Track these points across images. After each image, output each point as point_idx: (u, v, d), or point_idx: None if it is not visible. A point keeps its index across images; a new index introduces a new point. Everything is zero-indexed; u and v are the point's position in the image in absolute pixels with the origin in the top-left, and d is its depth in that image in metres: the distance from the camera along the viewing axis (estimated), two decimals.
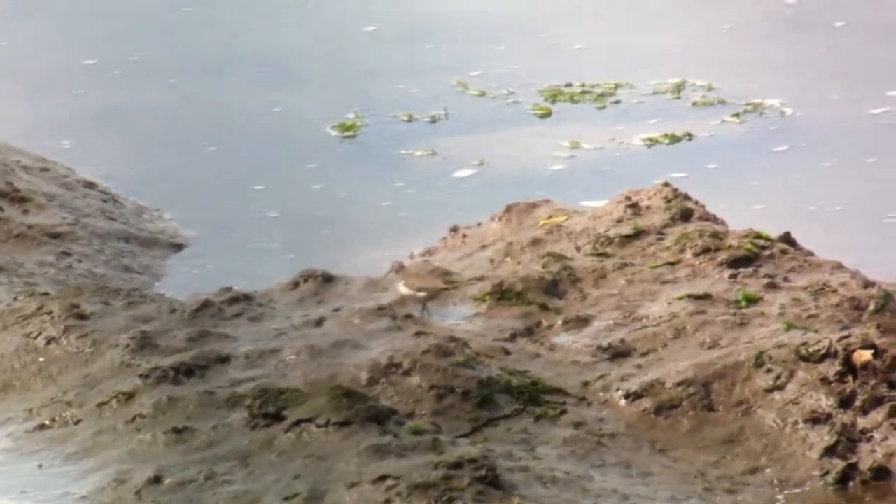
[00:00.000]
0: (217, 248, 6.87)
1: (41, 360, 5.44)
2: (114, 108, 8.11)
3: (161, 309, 5.62)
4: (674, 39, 8.69)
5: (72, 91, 8.27)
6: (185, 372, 5.25)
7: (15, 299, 5.79)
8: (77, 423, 5.15)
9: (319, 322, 5.56)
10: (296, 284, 5.86)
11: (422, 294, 5.54)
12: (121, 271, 6.56)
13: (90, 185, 7.22)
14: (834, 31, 8.53)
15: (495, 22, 8.94)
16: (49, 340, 5.50)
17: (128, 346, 5.38)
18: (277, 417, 4.95)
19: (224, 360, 5.32)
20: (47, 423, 5.17)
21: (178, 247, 6.92)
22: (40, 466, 4.94)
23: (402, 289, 5.58)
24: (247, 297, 5.73)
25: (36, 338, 5.51)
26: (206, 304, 5.63)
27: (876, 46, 8.31)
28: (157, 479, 4.75)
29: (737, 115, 7.71)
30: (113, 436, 5.03)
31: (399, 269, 5.67)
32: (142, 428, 5.03)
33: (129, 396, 5.17)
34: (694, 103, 7.93)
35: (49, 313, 5.59)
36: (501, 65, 8.36)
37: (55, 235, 6.66)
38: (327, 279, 5.87)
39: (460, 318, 5.63)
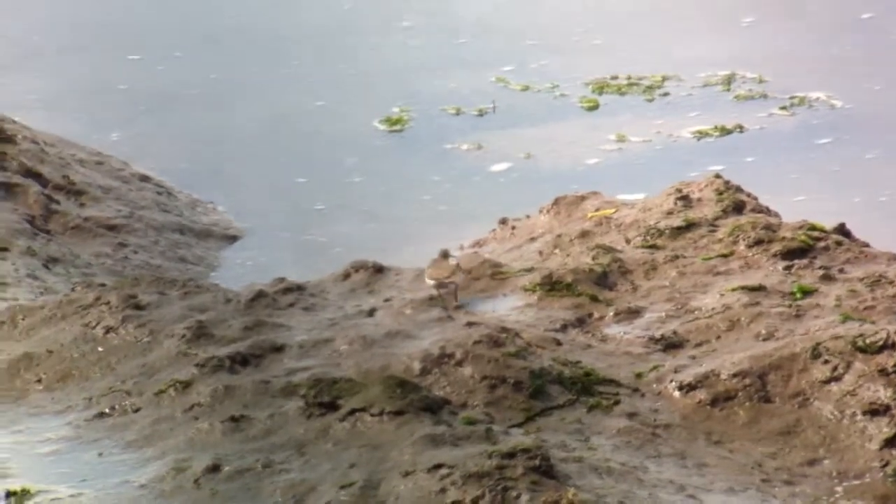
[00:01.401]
0: (269, 239, 6.93)
1: (100, 349, 5.51)
2: (159, 103, 8.19)
3: (216, 299, 5.67)
4: (725, 32, 8.64)
5: (117, 86, 8.36)
6: (241, 361, 5.30)
7: (73, 290, 5.87)
8: (136, 411, 5.21)
9: (371, 312, 5.58)
10: (347, 275, 5.89)
11: (440, 285, 5.54)
12: (176, 262, 6.63)
13: (145, 178, 7.31)
14: (885, 26, 8.44)
15: (522, 18, 8.93)
16: (107, 330, 5.57)
17: (184, 335, 5.43)
18: (332, 407, 4.98)
19: (279, 349, 5.36)
20: (107, 411, 5.23)
21: (232, 238, 6.99)
22: (100, 454, 5.00)
23: (427, 280, 5.60)
24: (300, 288, 5.76)
25: (94, 327, 5.58)
26: (260, 295, 5.68)
27: None
28: (215, 468, 4.80)
29: (785, 107, 7.66)
30: (171, 424, 5.08)
31: (443, 256, 5.68)
32: (199, 416, 5.08)
33: (187, 385, 5.22)
34: (743, 96, 7.89)
35: (107, 303, 5.66)
36: (534, 59, 8.35)
37: (111, 227, 6.74)
38: (378, 270, 5.90)
39: (511, 309, 5.63)
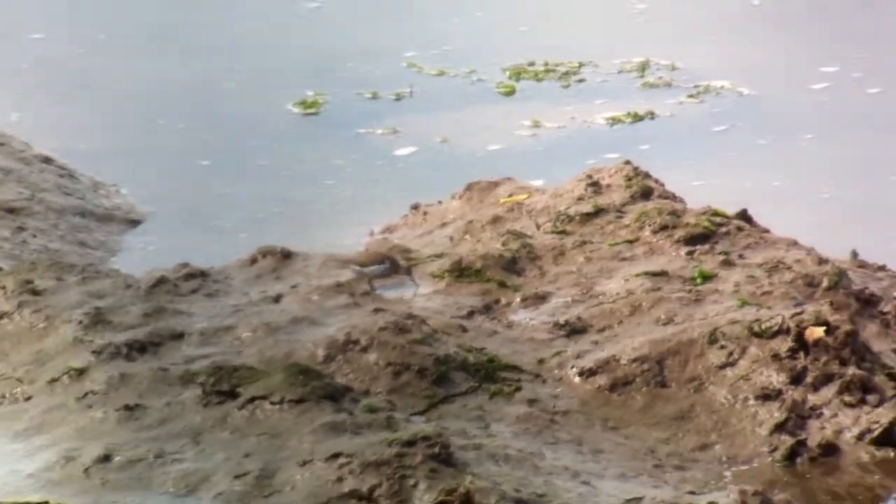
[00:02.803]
0: (173, 224, 6.82)
1: None
2: (62, 83, 8.03)
3: (116, 285, 5.57)
4: (635, 19, 8.70)
5: (20, 65, 8.18)
6: (139, 348, 5.21)
7: None
8: (27, 399, 5.10)
9: (277, 299, 5.52)
10: (254, 261, 5.82)
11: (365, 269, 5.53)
12: (76, 246, 6.50)
13: (47, 160, 7.14)
14: (794, 13, 8.59)
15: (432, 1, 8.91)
16: (1, 316, 5.45)
17: (81, 321, 5.33)
18: (231, 395, 4.92)
19: (179, 336, 5.28)
20: None
21: (135, 223, 6.87)
22: None
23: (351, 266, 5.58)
24: (203, 274, 5.68)
25: None
26: (161, 280, 5.59)
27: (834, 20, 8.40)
28: (106, 458, 4.72)
29: (694, 95, 7.74)
30: (63, 413, 4.99)
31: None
32: (93, 405, 4.99)
33: (81, 373, 5.13)
34: (655, 83, 7.95)
35: (2, 288, 5.53)
36: (448, 44, 8.34)
37: (10, 210, 6.59)
38: (286, 255, 5.84)
39: (419, 296, 5.61)
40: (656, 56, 8.14)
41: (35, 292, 5.52)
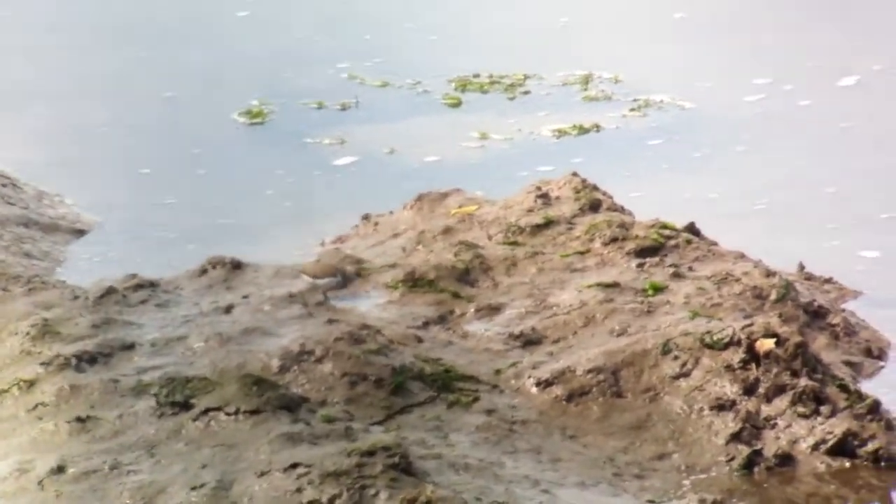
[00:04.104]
0: (119, 234, 6.72)
1: None
2: (1, 93, 7.86)
3: (63, 295, 5.47)
4: (579, 31, 8.82)
5: None
6: (89, 360, 5.12)
7: None
8: None
9: (228, 309, 5.47)
10: (204, 271, 5.76)
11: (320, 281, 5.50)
12: (21, 257, 6.36)
13: None
14: (741, 28, 8.78)
15: (358, 10, 8.93)
16: None
17: (28, 332, 5.22)
18: (185, 406, 4.86)
19: (129, 347, 5.21)
20: None
21: (80, 232, 6.75)
22: None
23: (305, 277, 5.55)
24: (153, 284, 5.61)
25: None
26: (110, 291, 5.50)
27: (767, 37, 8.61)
28: (60, 469, 4.63)
29: (636, 108, 7.88)
30: (14, 424, 4.89)
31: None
32: (44, 416, 4.89)
33: (31, 384, 5.02)
34: (599, 96, 8.06)
35: None
36: (377, 55, 8.37)
37: None
38: (236, 266, 5.79)
39: (373, 306, 5.60)
40: (598, 69, 8.26)
41: None
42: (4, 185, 6.87)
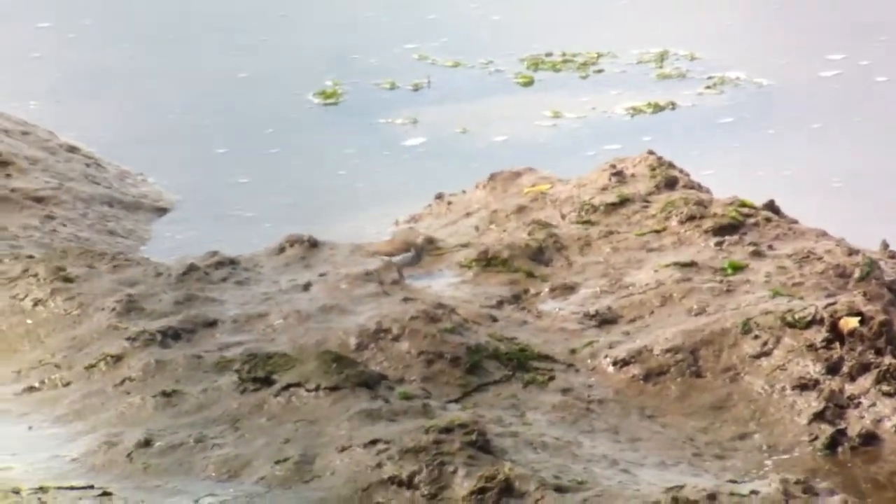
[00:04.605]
0: (200, 212, 6.83)
1: (28, 321, 5.40)
2: (77, 72, 8.01)
3: (147, 272, 5.58)
4: (659, 8, 8.72)
5: (30, 54, 8.14)
6: (173, 335, 5.22)
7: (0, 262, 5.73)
8: (66, 385, 5.11)
9: (306, 287, 5.54)
10: (282, 249, 5.83)
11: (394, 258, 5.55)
12: (105, 235, 6.50)
13: (73, 148, 7.13)
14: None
15: None
16: (36, 302, 5.46)
17: (114, 309, 5.34)
18: (267, 382, 4.94)
19: (211, 324, 5.30)
20: (36, 385, 5.13)
21: (162, 210, 6.87)
22: (30, 428, 4.90)
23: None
24: (233, 262, 5.69)
25: (22, 300, 5.47)
26: (192, 268, 5.59)
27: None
28: (147, 442, 4.74)
29: (713, 85, 7.77)
30: (102, 398, 5.00)
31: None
32: (131, 391, 5.00)
33: (118, 359, 5.14)
34: (675, 73, 7.97)
35: (35, 275, 5.53)
36: (443, 35, 8.34)
37: (39, 199, 6.58)
38: (313, 244, 5.85)
39: (446, 285, 5.63)
40: (673, 46, 8.17)
41: (67, 279, 5.52)
42: (88, 165, 7.02)
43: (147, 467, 4.65)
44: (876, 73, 7.74)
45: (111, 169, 7.08)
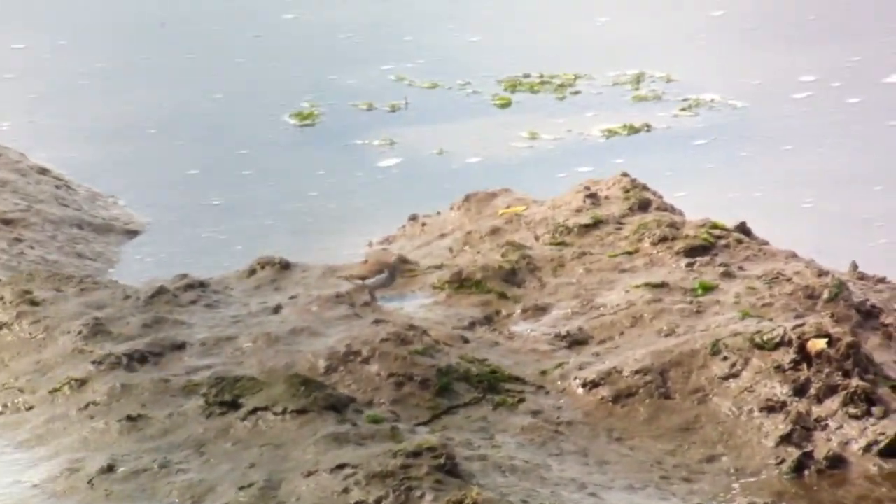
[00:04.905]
0: (170, 235, 6.80)
1: None
2: (51, 92, 8.00)
3: (115, 295, 5.55)
4: (630, 30, 8.76)
5: (3, 75, 8.13)
6: (139, 359, 5.19)
7: None
8: (29, 409, 5.07)
9: (276, 309, 5.51)
10: (252, 272, 5.81)
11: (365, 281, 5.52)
12: (74, 258, 6.47)
13: (43, 170, 7.11)
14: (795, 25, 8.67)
15: (399, 12, 8.93)
16: (0, 326, 5.42)
17: (80, 332, 5.31)
18: (233, 405, 4.90)
19: (179, 347, 5.26)
20: None
21: (133, 233, 6.84)
22: None
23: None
24: (202, 284, 5.67)
25: None
26: (160, 291, 5.57)
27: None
28: (110, 468, 4.70)
29: (687, 108, 7.80)
30: (65, 423, 4.96)
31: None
32: (95, 415, 4.96)
33: (82, 383, 5.10)
34: (650, 96, 7.99)
35: (1, 299, 5.50)
36: (419, 56, 8.36)
37: (7, 222, 6.55)
38: (284, 266, 5.83)
39: (419, 307, 5.61)
40: (649, 68, 8.20)
41: (34, 303, 5.49)
42: (59, 187, 6.99)
43: (109, 494, 4.60)
44: (847, 95, 7.78)
45: (82, 191, 7.05)
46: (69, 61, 8.40)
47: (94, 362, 5.16)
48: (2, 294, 5.51)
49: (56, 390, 5.09)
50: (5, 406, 5.10)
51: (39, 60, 8.34)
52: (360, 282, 5.59)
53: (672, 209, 6.13)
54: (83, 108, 7.91)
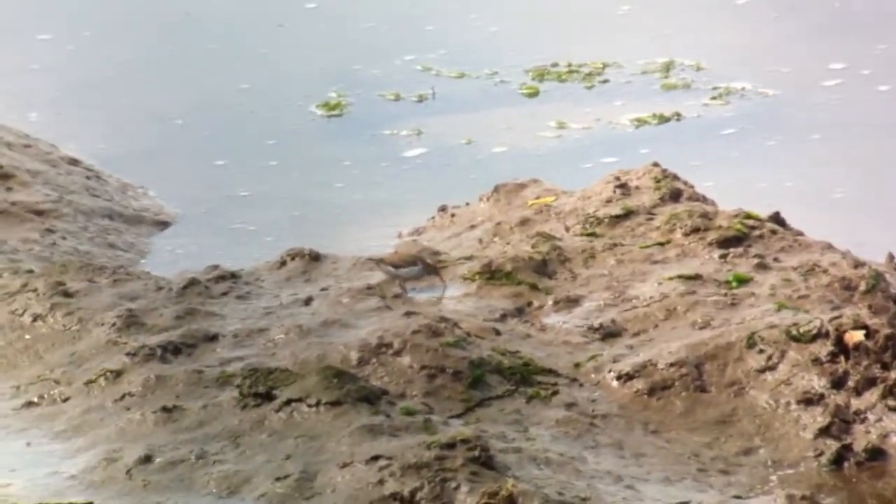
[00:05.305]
0: (201, 226, 6.80)
1: (27, 337, 5.37)
2: (77, 84, 8.01)
3: (147, 287, 5.56)
4: (654, 19, 8.70)
5: (29, 66, 8.14)
6: (173, 350, 5.20)
7: None
8: (65, 400, 5.09)
9: (308, 301, 5.51)
10: (283, 263, 5.81)
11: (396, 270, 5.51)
12: (106, 248, 6.48)
13: (74, 161, 7.12)
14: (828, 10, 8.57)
15: (424, 3, 8.87)
16: (35, 318, 5.44)
17: (114, 324, 5.32)
18: (268, 397, 4.91)
19: (212, 338, 5.27)
20: (35, 400, 5.11)
21: (163, 224, 6.85)
22: (28, 444, 4.88)
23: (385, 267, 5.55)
24: (234, 276, 5.67)
25: (21, 315, 5.44)
26: (192, 282, 5.57)
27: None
28: (147, 459, 4.71)
29: (718, 96, 7.73)
30: (101, 414, 4.98)
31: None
32: (131, 406, 4.98)
33: (118, 374, 5.12)
34: (680, 84, 7.93)
35: (34, 290, 5.52)
36: (440, 46, 8.31)
37: (39, 212, 6.57)
38: (315, 258, 5.82)
39: (450, 298, 5.59)
40: (678, 56, 8.13)
41: (67, 294, 5.51)
42: (89, 178, 7.00)
43: (147, 484, 4.62)
44: (877, 83, 7.70)
45: (112, 182, 7.06)
46: (95, 53, 8.41)
47: (128, 354, 5.16)
48: (35, 285, 5.53)
49: (91, 381, 5.11)
50: (41, 397, 5.12)
51: (65, 52, 8.36)
52: (392, 269, 5.58)
53: (704, 199, 6.08)
54: (109, 100, 7.92)
